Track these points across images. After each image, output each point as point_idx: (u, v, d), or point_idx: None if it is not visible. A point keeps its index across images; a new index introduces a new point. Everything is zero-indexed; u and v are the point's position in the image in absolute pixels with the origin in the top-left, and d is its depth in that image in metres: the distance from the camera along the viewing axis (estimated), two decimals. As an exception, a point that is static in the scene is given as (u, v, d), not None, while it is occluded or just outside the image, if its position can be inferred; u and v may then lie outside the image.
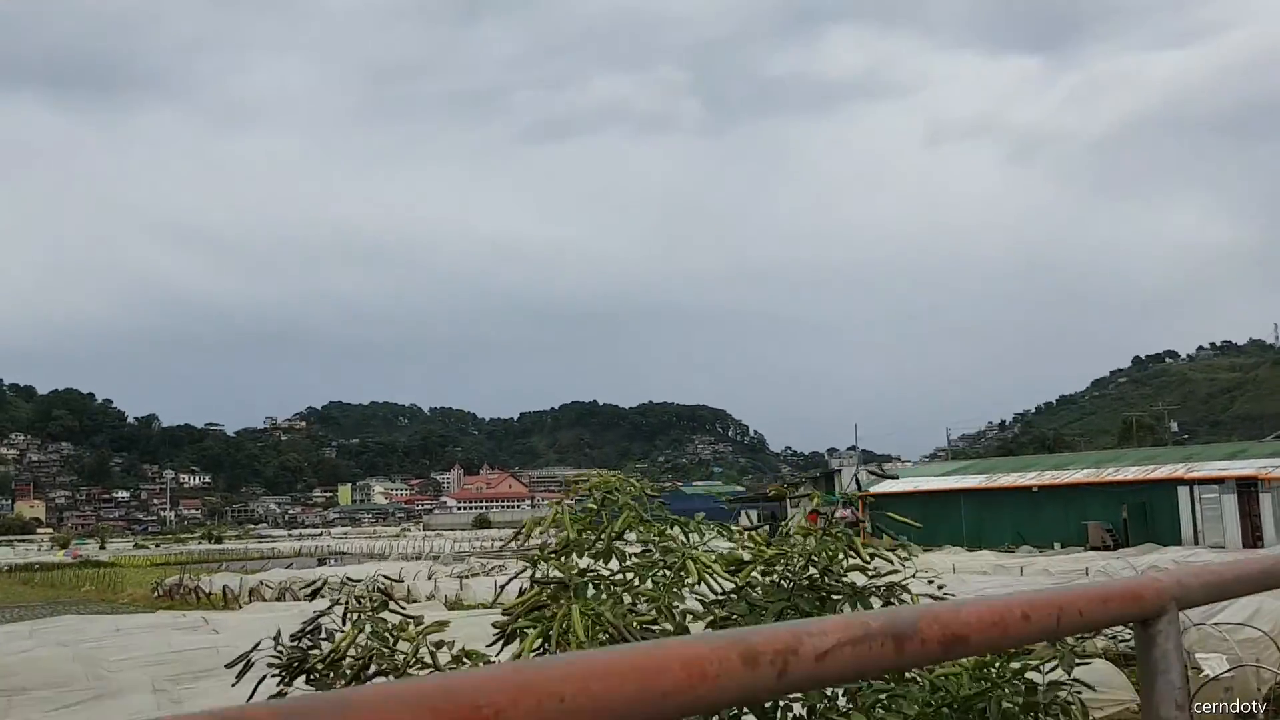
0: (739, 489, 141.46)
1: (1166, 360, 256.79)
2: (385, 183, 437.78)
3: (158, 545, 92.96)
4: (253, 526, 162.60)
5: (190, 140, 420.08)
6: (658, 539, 2.75)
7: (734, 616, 2.55)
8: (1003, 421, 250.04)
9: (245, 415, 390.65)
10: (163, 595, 33.31)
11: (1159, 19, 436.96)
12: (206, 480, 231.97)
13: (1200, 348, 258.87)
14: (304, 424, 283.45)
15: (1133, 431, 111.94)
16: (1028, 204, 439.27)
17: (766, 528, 3.07)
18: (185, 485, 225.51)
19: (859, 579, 2.85)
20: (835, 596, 2.65)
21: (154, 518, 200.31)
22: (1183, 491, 35.95)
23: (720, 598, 2.69)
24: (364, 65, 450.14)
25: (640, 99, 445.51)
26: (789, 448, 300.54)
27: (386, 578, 2.99)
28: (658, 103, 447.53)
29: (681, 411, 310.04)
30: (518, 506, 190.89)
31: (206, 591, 31.28)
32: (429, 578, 29.58)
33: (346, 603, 2.72)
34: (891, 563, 2.93)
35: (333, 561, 51.44)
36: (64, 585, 43.60)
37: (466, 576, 30.14)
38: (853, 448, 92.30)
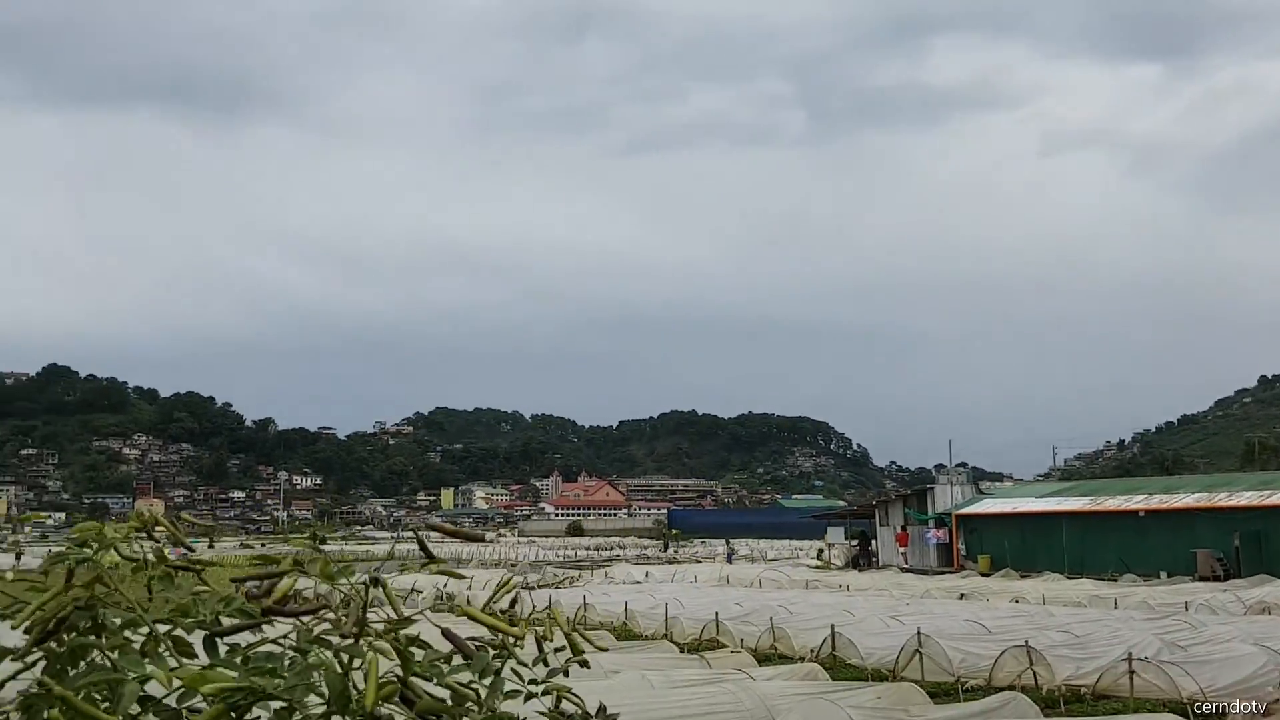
0: (839, 504, 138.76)
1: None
2: (490, 196, 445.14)
3: (263, 545, 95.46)
4: (360, 528, 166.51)
5: (306, 155, 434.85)
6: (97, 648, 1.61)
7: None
8: (1121, 441, 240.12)
9: (356, 419, 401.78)
10: (242, 597, 33.74)
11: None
12: (318, 482, 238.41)
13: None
14: (411, 429, 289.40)
15: (1255, 454, 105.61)
16: (1148, 216, 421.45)
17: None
18: (298, 487, 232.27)
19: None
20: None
21: (267, 518, 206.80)
22: (1304, 520, 33.34)
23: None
24: (471, 82, 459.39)
25: (742, 111, 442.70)
26: (894, 463, 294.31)
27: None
28: (760, 115, 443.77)
29: (782, 423, 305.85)
30: (614, 514, 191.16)
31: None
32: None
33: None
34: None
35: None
36: (158, 582, 44.84)
37: (533, 588, 29.61)
38: (962, 465, 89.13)
